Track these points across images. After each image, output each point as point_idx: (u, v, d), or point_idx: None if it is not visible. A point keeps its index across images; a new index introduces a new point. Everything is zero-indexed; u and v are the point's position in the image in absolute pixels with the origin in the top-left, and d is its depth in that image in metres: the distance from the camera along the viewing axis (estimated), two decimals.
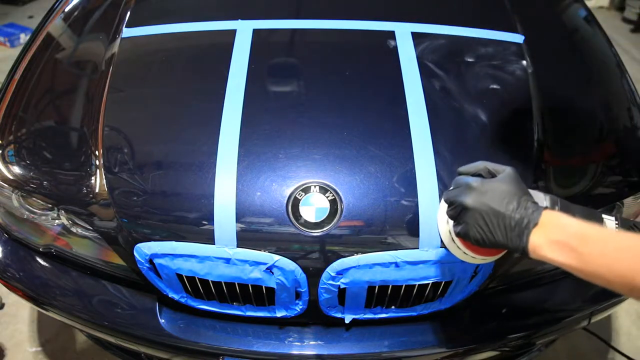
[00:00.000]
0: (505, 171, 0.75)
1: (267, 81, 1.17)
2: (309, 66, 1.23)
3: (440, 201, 0.96)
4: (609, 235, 0.64)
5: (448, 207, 0.78)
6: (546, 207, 0.70)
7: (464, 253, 0.82)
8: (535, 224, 0.67)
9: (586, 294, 1.17)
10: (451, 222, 0.79)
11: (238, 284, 1.01)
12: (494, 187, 0.72)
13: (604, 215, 0.77)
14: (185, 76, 1.23)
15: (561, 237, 0.65)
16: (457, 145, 1.04)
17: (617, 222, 0.76)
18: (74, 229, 1.08)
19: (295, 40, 1.29)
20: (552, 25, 1.47)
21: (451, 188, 0.79)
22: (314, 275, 0.98)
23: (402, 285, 1.00)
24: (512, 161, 1.05)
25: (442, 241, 0.85)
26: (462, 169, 0.81)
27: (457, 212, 0.74)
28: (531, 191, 0.76)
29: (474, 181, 0.74)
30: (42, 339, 1.73)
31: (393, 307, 1.07)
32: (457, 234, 0.76)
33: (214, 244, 0.97)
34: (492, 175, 0.77)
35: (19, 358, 1.68)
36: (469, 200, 0.72)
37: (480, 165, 0.78)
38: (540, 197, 0.77)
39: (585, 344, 1.76)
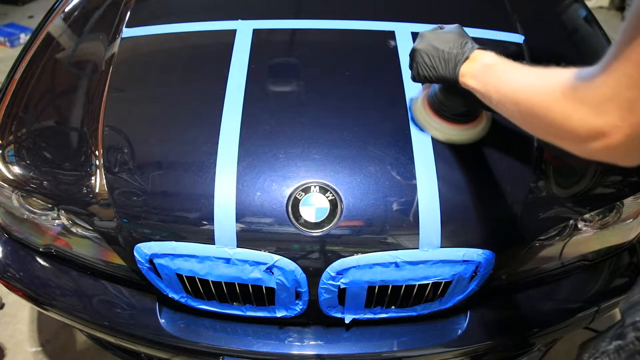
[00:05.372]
0: (451, 26, 0.92)
1: (267, 81, 1.17)
2: (309, 66, 1.23)
3: (439, 201, 0.96)
4: (506, 63, 0.75)
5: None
6: (483, 48, 0.83)
7: (438, 125, 0.99)
8: (467, 58, 0.82)
9: (589, 293, 1.17)
10: (426, 104, 1.00)
11: (238, 284, 1.01)
12: (438, 33, 0.90)
13: None
14: (185, 76, 1.23)
15: (478, 66, 0.80)
16: (456, 145, 1.04)
17: None
18: (74, 229, 1.08)
19: (295, 40, 1.29)
20: (552, 25, 1.47)
21: None
22: (314, 275, 0.98)
23: (402, 286, 1.00)
24: (512, 161, 1.06)
25: (418, 121, 1.03)
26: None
27: (411, 57, 0.93)
28: None
29: (424, 31, 0.93)
30: (42, 339, 1.73)
31: (393, 307, 1.07)
32: (412, 78, 0.95)
33: (214, 244, 0.97)
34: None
35: (19, 358, 1.68)
36: (418, 44, 0.91)
37: (435, 26, 0.95)
38: None
39: None
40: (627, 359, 0.65)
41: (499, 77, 0.73)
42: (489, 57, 0.80)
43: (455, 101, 0.95)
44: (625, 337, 0.66)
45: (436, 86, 0.99)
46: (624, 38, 0.47)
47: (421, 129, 1.03)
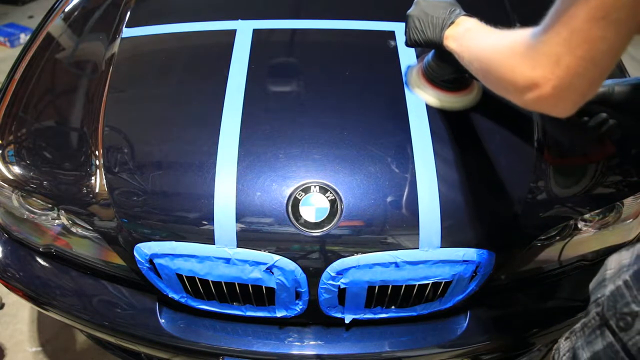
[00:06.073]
0: None
1: (267, 81, 1.17)
2: (309, 66, 1.23)
3: (439, 201, 0.96)
4: (482, 27, 0.80)
5: None
6: (469, 15, 0.88)
7: (429, 91, 1.05)
8: (452, 23, 0.88)
9: (589, 293, 1.17)
10: (420, 72, 1.06)
11: (238, 284, 1.01)
12: (431, 1, 0.95)
13: None
14: (185, 76, 1.23)
15: (460, 30, 0.86)
16: (456, 145, 1.04)
17: None
18: (74, 229, 1.08)
19: (295, 40, 1.29)
20: None
21: None
22: (314, 275, 0.98)
23: (402, 286, 1.00)
24: (512, 161, 1.06)
25: (411, 87, 1.09)
26: None
27: (405, 23, 0.99)
28: None
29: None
30: (42, 339, 1.73)
31: (393, 307, 1.07)
32: (405, 43, 1.00)
33: (214, 244, 0.97)
34: None
35: (19, 358, 1.68)
36: (412, 11, 0.97)
37: None
38: None
39: None
40: (589, 335, 0.67)
41: (472, 38, 0.80)
42: (470, 22, 0.85)
43: (445, 68, 1.00)
44: (588, 314, 0.68)
45: (430, 56, 1.04)
46: (561, 4, 0.53)
47: (412, 91, 1.09)
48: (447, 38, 0.88)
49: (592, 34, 0.51)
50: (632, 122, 0.88)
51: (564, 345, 0.74)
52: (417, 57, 1.18)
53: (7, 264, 1.19)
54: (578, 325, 0.71)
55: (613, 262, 0.67)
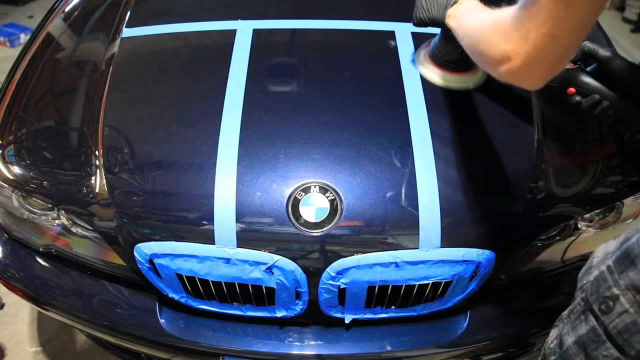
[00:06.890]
0: None
1: (267, 81, 1.17)
2: (309, 66, 1.23)
3: (439, 201, 0.96)
4: (479, 7, 0.84)
5: None
6: None
7: (434, 70, 1.10)
8: (455, 2, 0.93)
9: None
10: (427, 53, 1.12)
11: (238, 284, 1.01)
12: None
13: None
14: (185, 76, 1.23)
15: (461, 9, 0.90)
16: (456, 145, 1.04)
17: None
18: (74, 229, 1.08)
19: (295, 40, 1.29)
20: None
21: None
22: (314, 275, 0.98)
23: (402, 286, 1.00)
24: (513, 161, 1.06)
25: (418, 66, 1.15)
26: None
27: (414, 3, 1.02)
28: None
29: None
30: (42, 339, 1.73)
31: (393, 307, 1.07)
32: (412, 22, 1.04)
33: (214, 244, 0.97)
34: None
35: (19, 358, 1.68)
36: None
37: None
38: None
39: None
40: (575, 320, 0.70)
41: (468, 16, 0.84)
42: (472, 3, 0.89)
43: (449, 48, 1.04)
44: (574, 300, 0.71)
45: (437, 36, 1.09)
46: None
47: (418, 69, 1.15)
48: (449, 16, 0.93)
49: (554, 14, 0.55)
50: (626, 104, 0.89)
51: (552, 333, 0.76)
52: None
53: (7, 264, 1.19)
54: (565, 312, 0.73)
55: (600, 251, 0.69)
